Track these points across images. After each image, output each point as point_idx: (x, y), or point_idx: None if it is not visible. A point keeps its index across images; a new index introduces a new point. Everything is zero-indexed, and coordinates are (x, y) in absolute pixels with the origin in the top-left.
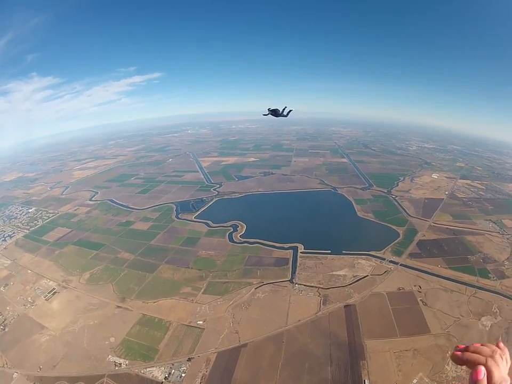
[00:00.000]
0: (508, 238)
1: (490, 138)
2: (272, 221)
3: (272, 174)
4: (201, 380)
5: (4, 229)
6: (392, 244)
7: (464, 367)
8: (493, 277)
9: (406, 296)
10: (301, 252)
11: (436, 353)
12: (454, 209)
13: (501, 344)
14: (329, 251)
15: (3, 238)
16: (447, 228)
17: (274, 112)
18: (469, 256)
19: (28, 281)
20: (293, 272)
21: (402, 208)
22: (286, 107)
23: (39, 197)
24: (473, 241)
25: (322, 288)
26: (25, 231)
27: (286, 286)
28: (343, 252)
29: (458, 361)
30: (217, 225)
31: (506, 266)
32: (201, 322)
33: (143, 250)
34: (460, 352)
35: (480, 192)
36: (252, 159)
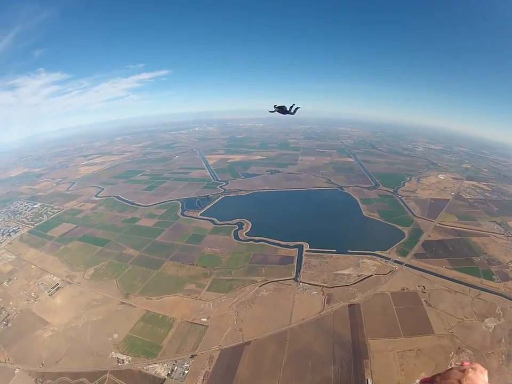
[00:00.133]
0: None
1: (497, 140)
2: (278, 219)
3: (278, 172)
4: (204, 377)
5: (8, 224)
6: (397, 244)
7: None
8: (497, 279)
9: (410, 297)
10: (306, 251)
11: (439, 353)
12: (459, 210)
13: (465, 363)
14: (335, 250)
15: (8, 233)
16: (452, 229)
17: (281, 109)
18: (473, 258)
19: (32, 276)
20: (298, 271)
21: (408, 208)
22: (294, 104)
23: (44, 193)
24: (478, 242)
25: (326, 287)
26: (30, 226)
27: (290, 285)
28: (348, 251)
29: None
30: (223, 222)
31: (510, 268)
32: (205, 319)
33: (148, 247)
34: (428, 379)
35: (486, 194)
36: (259, 157)
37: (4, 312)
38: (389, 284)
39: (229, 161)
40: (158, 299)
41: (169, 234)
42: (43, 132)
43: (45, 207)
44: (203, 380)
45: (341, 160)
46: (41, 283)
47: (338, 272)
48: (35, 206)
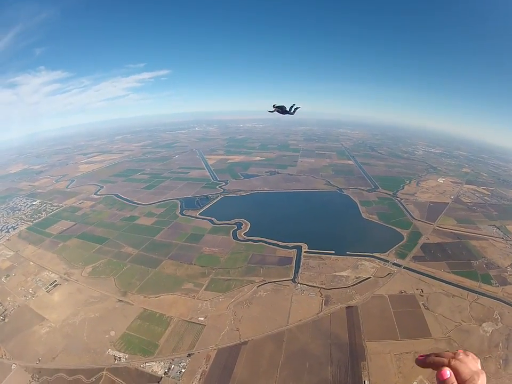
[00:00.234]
0: (511, 244)
1: (496, 144)
2: (277, 220)
3: (278, 173)
4: (200, 376)
5: (7, 221)
6: (396, 246)
7: None
8: (495, 283)
9: (408, 300)
10: (304, 252)
11: None
12: (458, 213)
13: (461, 351)
14: (333, 251)
15: (6, 230)
16: (451, 232)
17: (281, 109)
18: (472, 261)
19: (30, 272)
20: (296, 272)
21: (407, 211)
22: (294, 104)
23: (44, 190)
24: (477, 246)
25: (324, 288)
26: (28, 223)
27: (288, 285)
28: (347, 252)
29: (421, 364)
30: (222, 222)
31: (509, 273)
32: (202, 318)
33: (147, 246)
34: (422, 357)
35: (485, 198)
36: (258, 158)
37: (1, 307)
38: (387, 287)
39: (228, 161)
40: (155, 297)
41: (168, 233)
42: (43, 130)
43: (44, 204)
44: (200, 379)
45: (341, 162)
46: (39, 280)
47: (337, 273)
48: (34, 203)
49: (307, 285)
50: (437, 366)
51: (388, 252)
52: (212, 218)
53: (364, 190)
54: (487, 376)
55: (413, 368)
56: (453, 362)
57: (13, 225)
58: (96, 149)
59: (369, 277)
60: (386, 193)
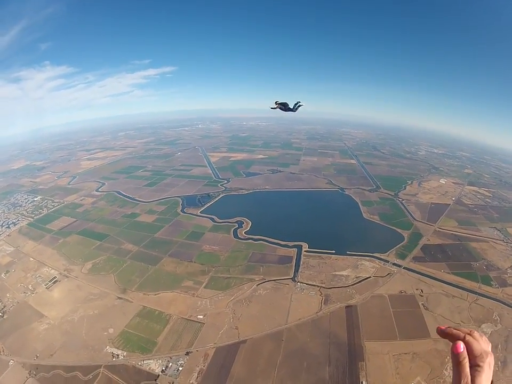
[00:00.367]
0: None
1: (499, 146)
2: (278, 219)
3: (280, 172)
4: (198, 374)
5: (8, 216)
6: (396, 247)
7: None
8: (495, 285)
9: (407, 300)
10: (305, 251)
11: (435, 357)
12: (459, 215)
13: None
14: (334, 251)
15: (7, 225)
16: (452, 234)
17: (284, 106)
18: (472, 263)
19: (30, 268)
20: (296, 271)
21: (408, 212)
22: (299, 102)
23: (45, 186)
24: (477, 247)
25: (324, 287)
26: (29, 219)
27: (288, 284)
28: (347, 252)
29: (441, 334)
30: (223, 220)
31: (508, 274)
32: (201, 316)
33: (147, 243)
34: (443, 327)
35: (487, 200)
36: (261, 156)
37: (0, 303)
38: (386, 287)
39: (231, 159)
40: (155, 295)
41: (169, 230)
42: (48, 126)
43: (45, 200)
44: (197, 377)
45: (343, 161)
46: (39, 276)
47: (337, 273)
48: (35, 199)
49: (307, 284)
50: (453, 339)
51: (388, 252)
52: (213, 217)
53: (365, 189)
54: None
55: (411, 369)
56: (467, 337)
57: (14, 221)
58: (99, 145)
59: (369, 277)
60: (388, 193)
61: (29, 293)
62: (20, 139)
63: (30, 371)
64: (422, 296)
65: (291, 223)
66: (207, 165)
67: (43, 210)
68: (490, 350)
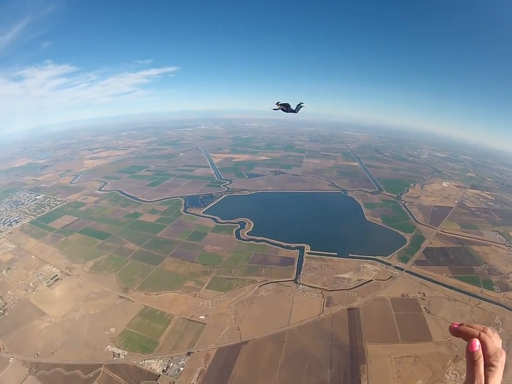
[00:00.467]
0: None
1: (501, 150)
2: (280, 220)
3: (282, 173)
4: (199, 374)
5: (10, 214)
6: (398, 250)
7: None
8: (497, 289)
9: (409, 303)
10: (307, 253)
11: (437, 361)
12: (462, 218)
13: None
14: (336, 253)
15: (9, 223)
16: (454, 237)
17: (286, 107)
18: (474, 267)
19: (31, 266)
20: (298, 273)
21: (411, 215)
22: (302, 103)
23: (48, 184)
24: (479, 251)
25: (326, 290)
26: (31, 217)
27: (290, 286)
28: (349, 255)
29: (455, 332)
30: (225, 221)
31: (511, 279)
32: (203, 317)
33: (149, 242)
34: (456, 325)
35: (489, 203)
36: (264, 157)
37: (1, 301)
38: (388, 290)
39: (233, 160)
40: (156, 295)
41: (171, 230)
42: (49, 124)
43: (48, 199)
44: (198, 377)
45: (346, 164)
46: (40, 273)
47: (339, 275)
48: (38, 197)
49: (309, 286)
50: (468, 337)
51: (390, 255)
52: (216, 217)
53: (368, 192)
54: None
55: (412, 372)
56: (482, 335)
57: (16, 218)
58: (102, 145)
59: (371, 280)
60: (390, 195)
61: (30, 291)
62: (21, 137)
63: (30, 369)
64: (424, 299)
65: (293, 225)
66: (210, 166)
67: (45, 208)
68: (501, 347)
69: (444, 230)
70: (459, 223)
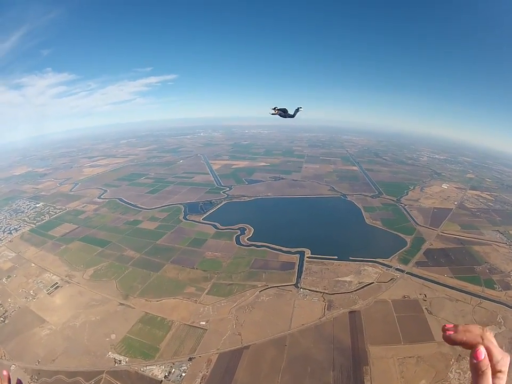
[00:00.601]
0: None
1: (501, 150)
2: (281, 226)
3: (282, 179)
4: (201, 380)
5: (10, 222)
6: (399, 252)
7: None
8: (498, 288)
9: (411, 304)
10: (307, 257)
11: (440, 361)
12: (462, 219)
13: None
14: (336, 257)
15: (9, 231)
16: (455, 238)
17: (283, 112)
18: (475, 266)
19: (31, 274)
20: (299, 277)
21: (411, 217)
22: (300, 107)
23: (47, 193)
24: (480, 251)
25: (327, 293)
26: (31, 225)
27: (291, 290)
28: (350, 258)
29: (450, 341)
30: (225, 227)
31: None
32: (204, 323)
33: (149, 249)
34: (452, 332)
35: (489, 203)
36: (263, 163)
37: (1, 308)
38: (390, 292)
39: (233, 167)
40: (157, 301)
41: (171, 237)
42: (49, 133)
43: (47, 207)
44: (200, 382)
45: (345, 168)
46: (41, 281)
47: (339, 279)
48: (37, 205)
49: (310, 290)
50: (469, 345)
51: (391, 257)
52: (215, 223)
53: (367, 196)
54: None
55: (415, 373)
56: (485, 341)
57: (16, 226)
58: (101, 153)
59: (372, 282)
60: (390, 199)
61: (31, 298)
62: (21, 145)
63: (32, 376)
64: (425, 300)
65: (293, 230)
66: (209, 173)
67: (45, 216)
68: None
69: (444, 231)
70: (459, 224)
